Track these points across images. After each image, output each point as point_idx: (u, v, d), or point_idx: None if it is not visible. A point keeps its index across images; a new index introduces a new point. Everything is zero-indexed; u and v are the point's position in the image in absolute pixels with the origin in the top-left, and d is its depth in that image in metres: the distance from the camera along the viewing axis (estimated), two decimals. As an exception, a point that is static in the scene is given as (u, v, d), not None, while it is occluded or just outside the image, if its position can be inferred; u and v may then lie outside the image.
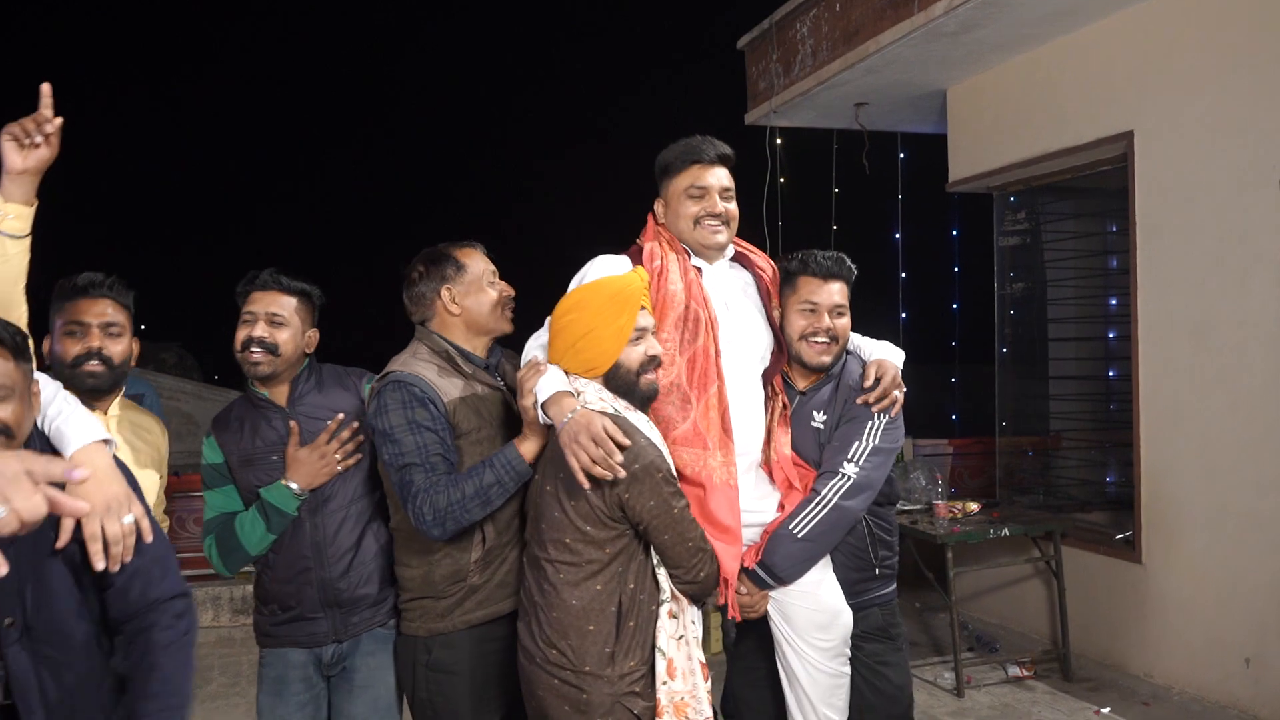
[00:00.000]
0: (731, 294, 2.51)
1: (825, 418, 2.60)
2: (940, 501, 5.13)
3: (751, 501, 2.43)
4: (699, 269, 2.45)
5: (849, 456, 2.47)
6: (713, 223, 2.42)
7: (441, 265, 2.43)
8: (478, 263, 2.45)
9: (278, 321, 2.47)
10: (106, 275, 2.45)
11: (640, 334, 2.17)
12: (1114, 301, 6.13)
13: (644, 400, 2.20)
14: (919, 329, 7.49)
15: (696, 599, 2.24)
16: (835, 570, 2.55)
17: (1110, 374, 6.25)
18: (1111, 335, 6.21)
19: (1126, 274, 4.94)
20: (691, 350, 2.35)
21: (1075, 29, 5.07)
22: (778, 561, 2.39)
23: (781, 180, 6.92)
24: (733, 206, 2.46)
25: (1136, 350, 4.86)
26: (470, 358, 2.43)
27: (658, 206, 2.53)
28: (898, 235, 7.18)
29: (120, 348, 2.45)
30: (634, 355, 2.16)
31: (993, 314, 6.14)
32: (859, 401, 2.56)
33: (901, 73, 5.81)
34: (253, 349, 2.44)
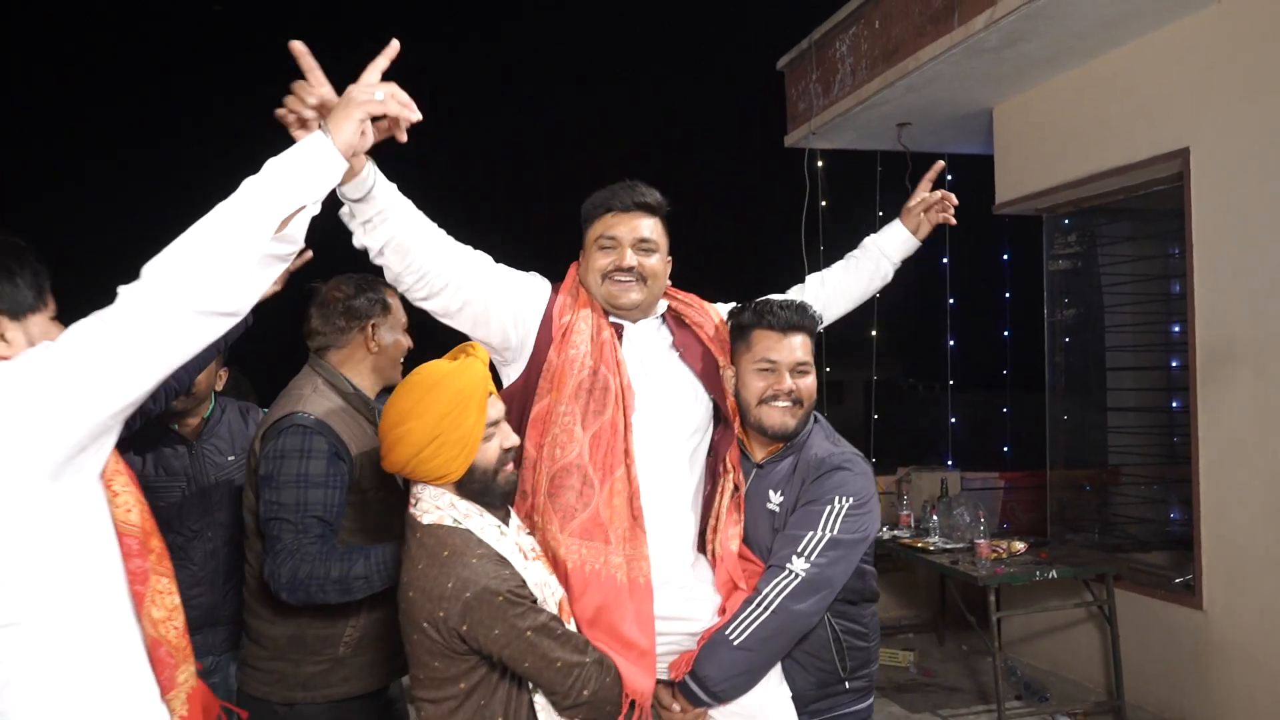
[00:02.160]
0: (655, 358, 2.18)
1: (781, 499, 2.21)
2: (983, 540, 4.86)
3: (677, 605, 2.06)
4: (618, 328, 2.15)
5: (799, 549, 2.08)
6: (623, 278, 2.12)
7: (374, 297, 2.32)
8: (399, 307, 2.36)
9: None
10: None
11: (493, 429, 1.86)
12: (1176, 328, 5.81)
13: (504, 496, 1.89)
14: (968, 356, 7.21)
15: None
16: (793, 682, 2.18)
17: (1173, 405, 5.91)
18: (1175, 364, 5.88)
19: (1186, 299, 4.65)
20: (597, 424, 2.02)
21: (1125, 41, 4.81)
22: (711, 674, 2.02)
23: (823, 203, 6.73)
24: (652, 261, 2.14)
25: (1194, 380, 4.56)
26: (369, 403, 2.31)
27: (581, 257, 2.24)
28: (945, 260, 6.92)
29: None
30: (490, 454, 1.85)
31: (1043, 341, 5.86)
32: (912, 204, 2.36)
33: (944, 91, 5.60)
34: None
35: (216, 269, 1.33)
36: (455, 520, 1.81)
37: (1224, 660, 4.39)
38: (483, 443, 1.83)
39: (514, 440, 1.90)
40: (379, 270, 1.95)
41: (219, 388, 2.73)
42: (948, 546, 5.21)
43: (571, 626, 1.90)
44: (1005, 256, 6.70)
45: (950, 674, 5.51)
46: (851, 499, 2.13)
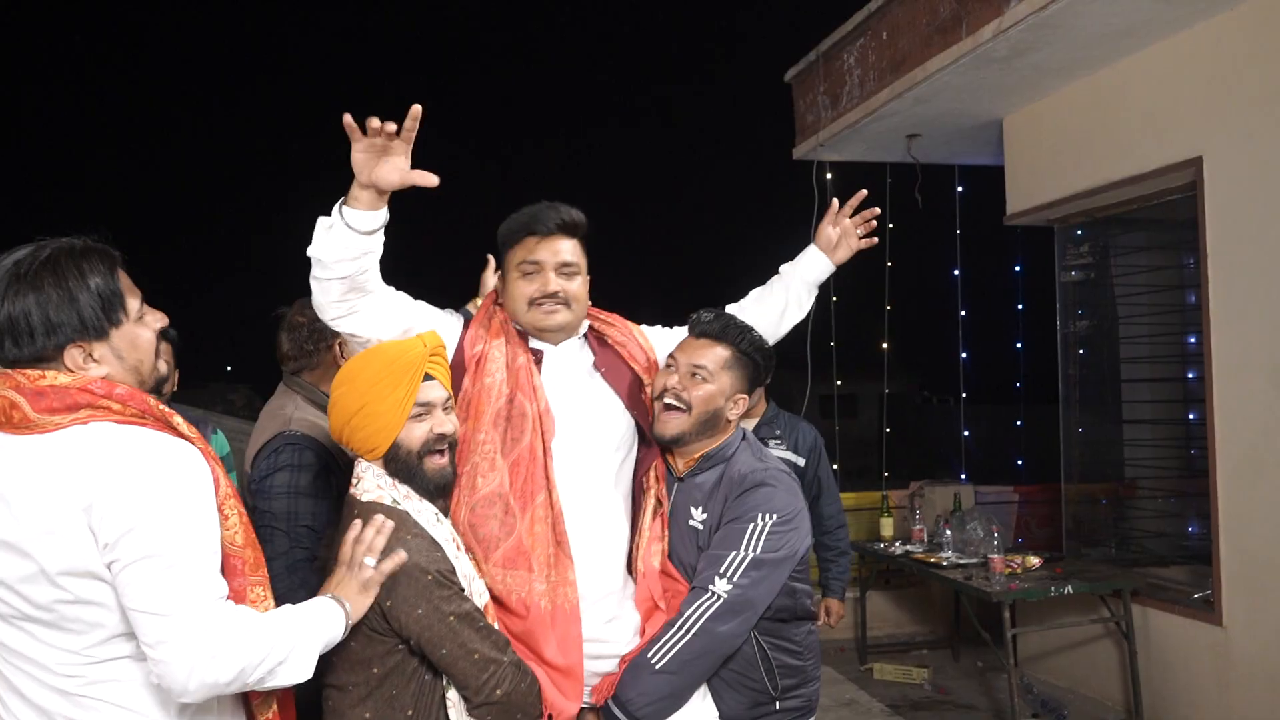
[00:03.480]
0: (576, 379, 2.15)
1: (705, 516, 2.15)
2: (997, 555, 4.79)
3: (598, 627, 2.03)
4: (537, 354, 2.13)
5: (721, 570, 2.02)
6: (548, 304, 2.09)
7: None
8: None
9: None
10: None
11: (425, 409, 1.84)
12: (1192, 340, 5.74)
13: (433, 488, 1.86)
14: (981, 369, 7.15)
15: None
16: (722, 701, 2.13)
17: (1190, 417, 5.83)
18: (1191, 375, 5.81)
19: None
20: (515, 452, 1.99)
21: (1136, 50, 4.77)
22: (633, 698, 1.97)
23: (832, 216, 6.69)
24: (574, 285, 2.12)
25: (1211, 391, 4.49)
26: None
27: (500, 282, 2.22)
28: (957, 272, 6.87)
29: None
30: (415, 434, 1.83)
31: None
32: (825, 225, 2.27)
33: (953, 102, 5.56)
34: None
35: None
36: (395, 501, 1.80)
37: (1244, 677, 4.30)
38: (410, 420, 1.81)
39: (448, 428, 1.87)
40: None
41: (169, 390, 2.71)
42: (961, 561, 5.14)
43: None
44: (1017, 268, 6.64)
45: (965, 691, 5.43)
46: (775, 516, 2.08)
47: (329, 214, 1.81)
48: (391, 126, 1.70)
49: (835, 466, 7.15)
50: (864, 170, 6.89)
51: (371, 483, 1.82)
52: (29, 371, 1.45)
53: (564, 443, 2.06)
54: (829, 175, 6.77)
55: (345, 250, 1.80)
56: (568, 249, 2.13)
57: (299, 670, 1.53)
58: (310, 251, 1.83)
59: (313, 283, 1.87)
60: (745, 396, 2.23)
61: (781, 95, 6.97)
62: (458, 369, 2.07)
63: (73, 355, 1.47)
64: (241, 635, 1.44)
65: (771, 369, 2.29)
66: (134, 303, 1.54)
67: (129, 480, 1.40)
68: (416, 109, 1.73)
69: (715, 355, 2.17)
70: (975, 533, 5.25)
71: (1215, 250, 4.46)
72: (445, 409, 1.88)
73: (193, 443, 1.51)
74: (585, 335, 2.24)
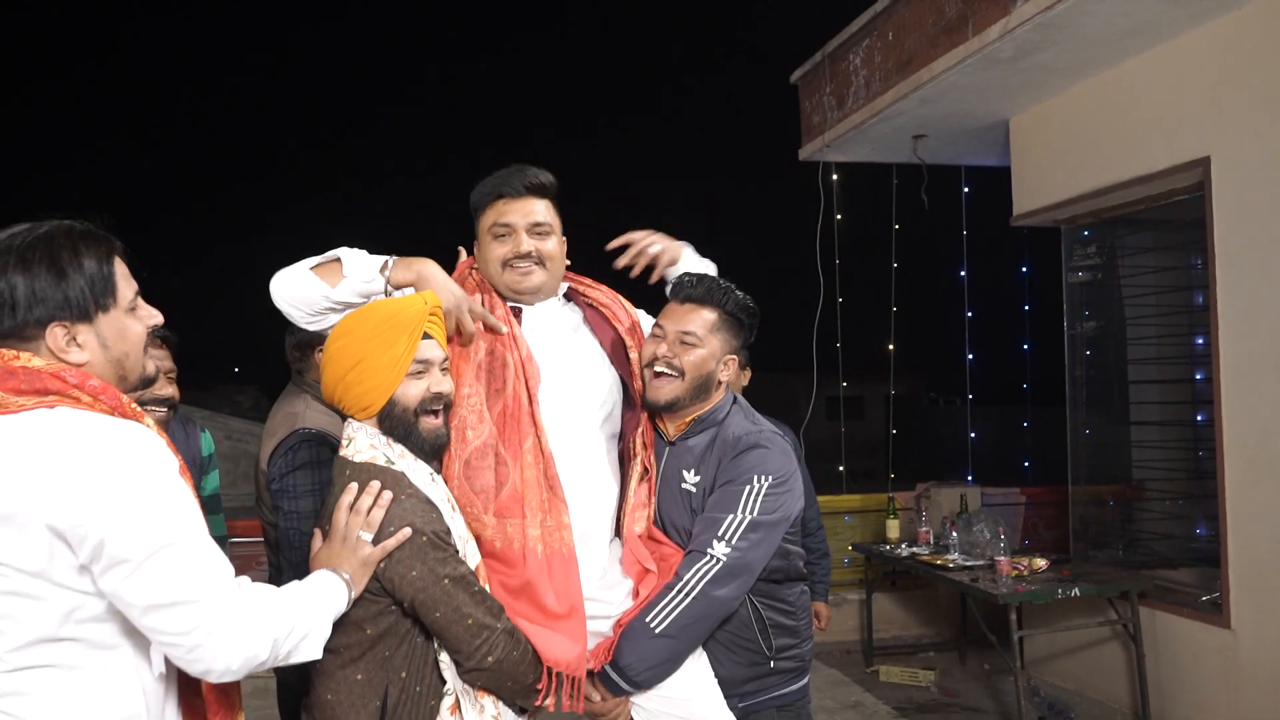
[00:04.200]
0: (559, 334, 2.14)
1: (698, 478, 2.16)
2: (1004, 558, 4.77)
3: (592, 585, 2.01)
4: (517, 310, 2.12)
5: (719, 533, 2.03)
6: (522, 264, 2.08)
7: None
8: None
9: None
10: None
11: (423, 367, 1.79)
12: (1200, 341, 5.71)
13: (429, 449, 1.82)
14: (987, 370, 7.12)
15: (508, 698, 1.82)
16: (718, 664, 2.14)
17: (1198, 418, 5.80)
18: (1199, 377, 5.78)
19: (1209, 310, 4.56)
20: (500, 401, 1.97)
21: (1143, 50, 4.75)
22: (632, 663, 1.97)
23: (838, 217, 6.69)
24: (549, 244, 2.11)
25: (1219, 393, 4.47)
26: None
27: (476, 248, 2.20)
28: (963, 273, 6.85)
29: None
30: (412, 391, 1.78)
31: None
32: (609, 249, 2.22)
33: (960, 102, 5.55)
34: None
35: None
36: (389, 460, 1.76)
37: (1253, 680, 4.28)
38: (408, 377, 1.77)
39: (445, 387, 1.84)
40: None
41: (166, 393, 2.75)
42: (968, 564, 5.12)
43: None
44: (1024, 269, 6.62)
45: (972, 694, 5.41)
46: (771, 477, 2.08)
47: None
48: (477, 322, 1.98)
49: (841, 468, 7.15)
50: (870, 171, 6.89)
51: (364, 442, 1.78)
52: (3, 350, 1.38)
53: (549, 391, 2.04)
54: (835, 176, 6.77)
55: (347, 295, 1.90)
56: (540, 209, 2.12)
57: (316, 645, 1.52)
58: (312, 289, 1.89)
59: (292, 305, 1.92)
60: (734, 357, 2.23)
61: (787, 96, 6.96)
62: None
63: (55, 335, 1.40)
64: (268, 609, 1.43)
65: (756, 327, 2.29)
66: (128, 292, 1.47)
67: (115, 475, 1.33)
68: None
69: (702, 319, 2.17)
70: (982, 534, 5.23)
71: (1223, 251, 4.44)
72: (443, 369, 1.85)
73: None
74: (566, 295, 2.22)
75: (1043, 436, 7.26)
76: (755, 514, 2.04)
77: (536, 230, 2.10)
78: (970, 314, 6.83)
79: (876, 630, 6.16)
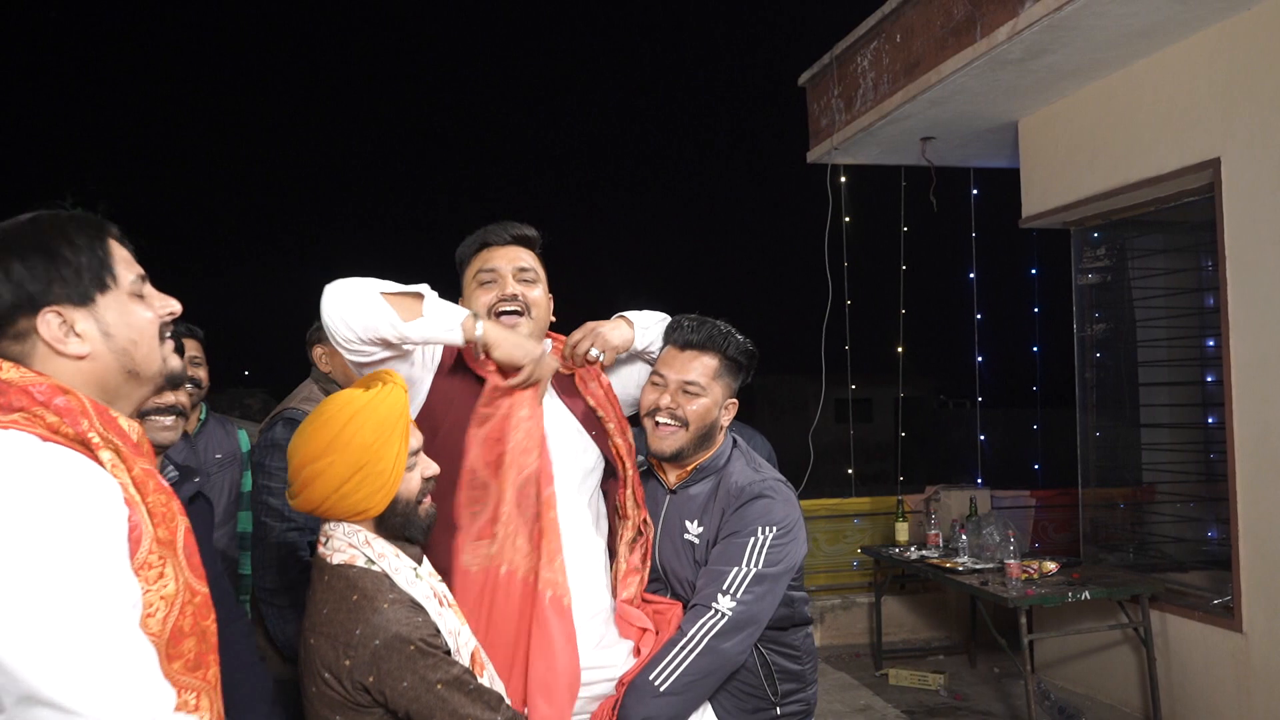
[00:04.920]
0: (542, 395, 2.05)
1: (701, 529, 2.11)
2: (1013, 561, 4.75)
3: (589, 652, 1.94)
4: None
5: (724, 587, 1.98)
6: (507, 308, 2.02)
7: (317, 321, 2.48)
8: None
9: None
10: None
11: (414, 456, 1.75)
12: (1211, 342, 5.68)
13: (425, 530, 1.77)
14: (997, 373, 7.10)
15: None
16: (721, 710, 2.10)
17: (1209, 420, 5.78)
18: (1210, 379, 5.76)
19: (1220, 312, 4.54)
20: (486, 427, 1.91)
21: (1152, 51, 4.73)
22: None
23: (847, 219, 6.68)
24: (535, 292, 2.07)
25: (1230, 395, 4.45)
26: None
27: (462, 304, 2.12)
28: (972, 275, 6.83)
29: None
30: (412, 484, 1.73)
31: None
32: (563, 355, 2.09)
33: (968, 104, 5.54)
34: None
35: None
36: (369, 560, 1.69)
37: (1265, 684, 4.25)
38: (406, 473, 1.72)
39: (434, 469, 1.80)
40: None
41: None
42: (977, 567, 5.10)
43: (485, 678, 1.79)
44: (1033, 271, 6.60)
45: (982, 697, 5.39)
46: (775, 528, 2.04)
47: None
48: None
49: (850, 471, 7.13)
50: (878, 173, 6.88)
51: (341, 542, 1.70)
52: None
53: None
54: (843, 179, 6.75)
55: (420, 334, 1.85)
56: (525, 257, 2.10)
57: None
58: (393, 320, 1.82)
59: (344, 323, 1.83)
60: (735, 401, 2.20)
61: (795, 99, 6.96)
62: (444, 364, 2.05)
63: (48, 323, 1.21)
64: None
65: (755, 368, 2.25)
66: (128, 274, 1.29)
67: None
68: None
69: (704, 366, 2.13)
70: (991, 538, 5.21)
71: (1233, 252, 4.42)
72: (422, 448, 1.80)
73: (137, 488, 1.21)
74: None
75: (1052, 439, 7.23)
76: (760, 566, 2.01)
77: (522, 276, 2.07)
78: (979, 316, 6.81)
79: (886, 634, 6.14)
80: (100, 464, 1.17)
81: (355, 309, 1.80)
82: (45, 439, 1.15)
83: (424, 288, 1.88)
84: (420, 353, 1.98)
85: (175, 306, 1.35)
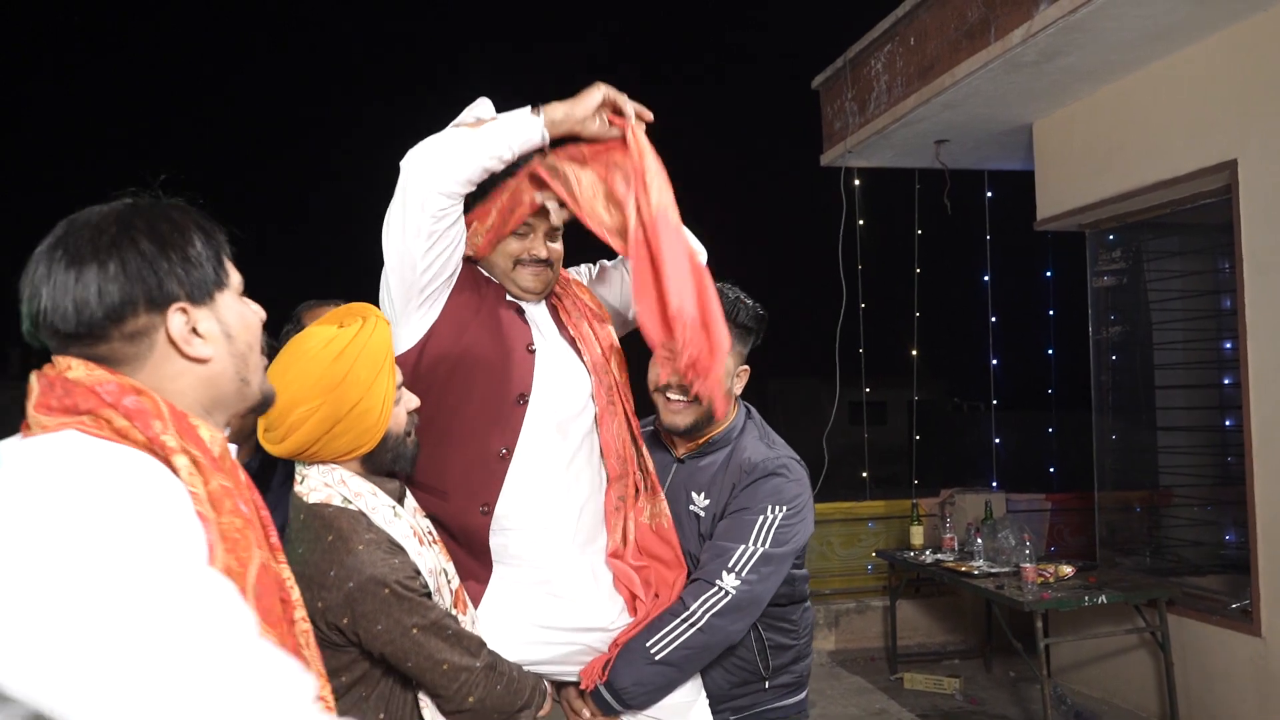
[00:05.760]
0: (552, 334, 2.03)
1: (708, 502, 2.07)
2: (1029, 564, 4.74)
3: (585, 607, 1.94)
4: (518, 307, 2.02)
5: (729, 564, 1.95)
6: (535, 267, 1.99)
7: (289, 329, 2.37)
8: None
9: None
10: None
11: (399, 389, 1.72)
12: (1229, 345, 5.65)
13: (411, 461, 1.75)
14: (1012, 375, 7.08)
15: None
16: (708, 680, 2.10)
17: (1226, 423, 5.74)
18: (1227, 381, 5.72)
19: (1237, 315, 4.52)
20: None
21: (1168, 53, 4.71)
22: (628, 686, 1.91)
23: (861, 222, 6.68)
24: (558, 245, 2.04)
25: (1247, 398, 4.43)
26: None
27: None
28: (986, 277, 6.81)
29: None
30: (400, 418, 1.71)
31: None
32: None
33: (982, 107, 5.53)
34: None
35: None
36: (345, 499, 1.64)
37: (1285, 689, 4.22)
38: (394, 406, 1.69)
39: (415, 402, 1.78)
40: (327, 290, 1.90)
41: None
42: (993, 570, 5.09)
43: (468, 618, 1.78)
44: (1048, 273, 6.58)
45: (998, 702, 5.37)
46: (785, 507, 2.01)
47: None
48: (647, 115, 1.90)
49: (864, 474, 7.12)
50: (892, 176, 6.87)
51: (317, 480, 1.66)
52: (62, 359, 1.05)
53: (539, 399, 1.94)
54: (857, 182, 6.75)
55: (499, 148, 1.79)
56: (556, 214, 2.01)
57: None
58: (488, 132, 1.78)
59: (453, 160, 1.76)
60: (746, 368, 2.16)
61: (809, 102, 6.96)
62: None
63: (175, 322, 1.07)
64: None
65: (764, 332, 2.19)
66: (236, 275, 1.17)
67: (57, 557, 0.86)
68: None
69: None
70: (1007, 541, 5.20)
71: (1251, 254, 4.40)
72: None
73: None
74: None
75: (1068, 442, 7.21)
76: (768, 546, 1.98)
77: (554, 235, 2.03)
78: (994, 319, 6.79)
79: (901, 637, 6.12)
80: (174, 470, 1.02)
81: (449, 151, 1.76)
82: (118, 442, 1.01)
83: (483, 110, 1.83)
84: (452, 266, 1.91)
85: (263, 314, 1.22)
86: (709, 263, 2.14)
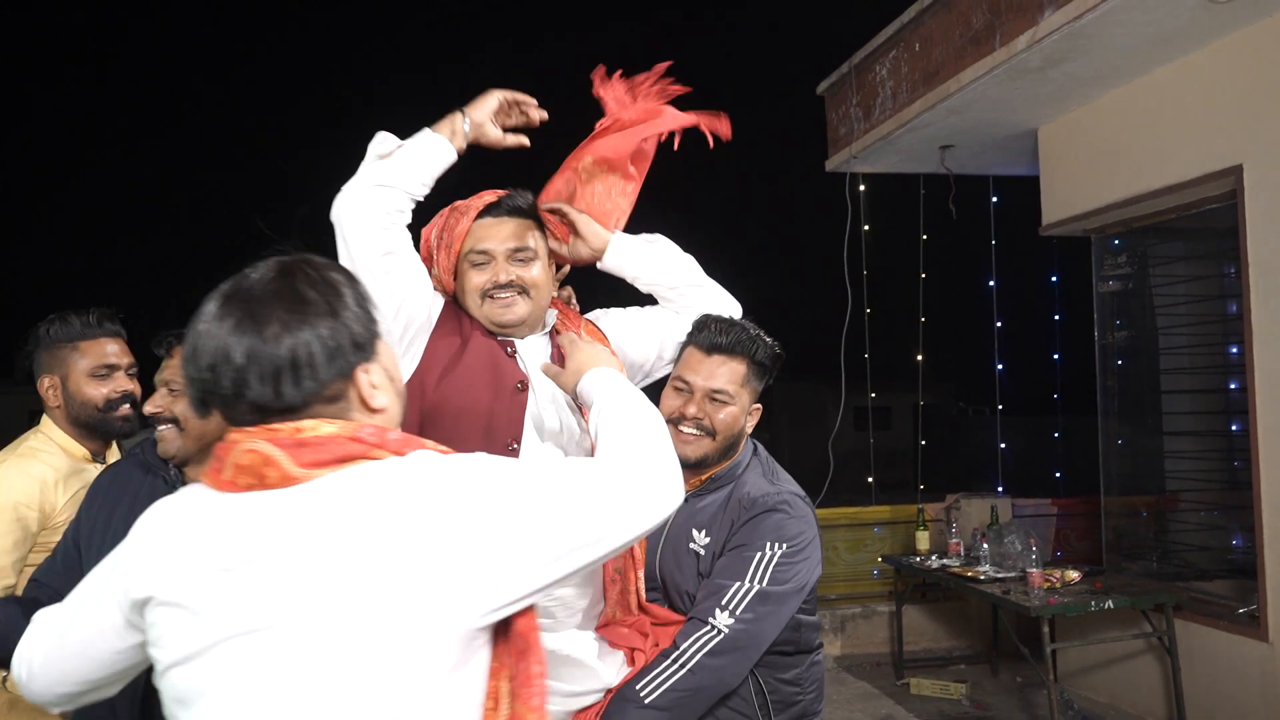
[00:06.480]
0: (537, 371, 1.90)
1: (708, 540, 1.97)
2: (1035, 569, 4.74)
3: (584, 673, 1.84)
4: (508, 345, 1.94)
5: (723, 602, 1.85)
6: (502, 295, 1.90)
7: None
8: None
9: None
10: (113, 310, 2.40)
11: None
12: (1235, 350, 5.65)
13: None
14: (1017, 380, 7.07)
15: None
16: None
17: (1233, 428, 5.74)
18: (1233, 386, 5.72)
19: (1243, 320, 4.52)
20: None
21: (1173, 58, 4.72)
22: None
23: (866, 228, 6.69)
24: (532, 271, 1.93)
25: (1254, 402, 4.43)
26: None
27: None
28: (992, 282, 6.82)
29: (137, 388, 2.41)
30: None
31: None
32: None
33: (987, 112, 5.54)
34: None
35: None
36: None
37: (1292, 694, 4.22)
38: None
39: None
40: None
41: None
42: (999, 575, 5.09)
43: None
44: (1054, 278, 6.58)
45: (1004, 707, 5.36)
46: (785, 544, 1.91)
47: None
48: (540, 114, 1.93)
49: (870, 479, 7.12)
50: (897, 182, 6.88)
51: None
52: (282, 425, 1.10)
53: (533, 442, 1.89)
54: (862, 187, 6.76)
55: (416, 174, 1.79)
56: (521, 233, 1.95)
57: None
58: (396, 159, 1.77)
59: (372, 196, 1.75)
60: (759, 406, 2.09)
61: (814, 108, 6.98)
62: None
63: (361, 382, 1.15)
64: None
65: (778, 370, 2.11)
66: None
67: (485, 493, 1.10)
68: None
69: (732, 372, 1.99)
70: (1013, 546, 5.20)
71: (1256, 259, 4.40)
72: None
73: None
74: (550, 332, 2.02)
75: (1074, 447, 7.20)
76: (765, 584, 1.87)
77: (517, 256, 1.93)
78: (999, 324, 6.79)
79: (907, 643, 6.12)
80: None
81: (362, 196, 1.76)
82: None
83: (384, 144, 1.80)
84: (424, 307, 1.88)
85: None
86: (741, 301, 2.19)
